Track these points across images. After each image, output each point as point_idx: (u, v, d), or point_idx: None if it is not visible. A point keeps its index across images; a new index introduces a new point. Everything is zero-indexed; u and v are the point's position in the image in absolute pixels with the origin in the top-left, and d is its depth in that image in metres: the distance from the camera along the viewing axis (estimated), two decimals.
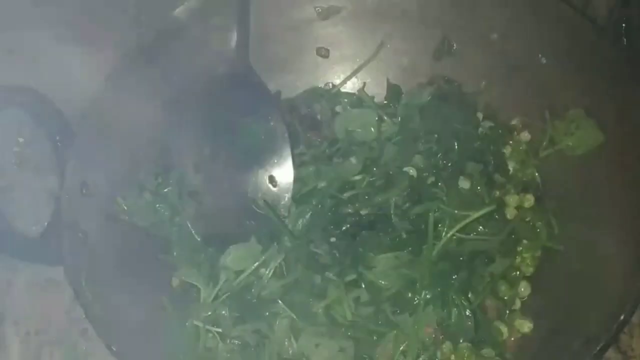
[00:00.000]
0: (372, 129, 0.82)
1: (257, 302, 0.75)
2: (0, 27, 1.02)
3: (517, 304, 0.78)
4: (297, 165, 0.81)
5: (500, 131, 0.85)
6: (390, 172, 0.78)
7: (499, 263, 0.76)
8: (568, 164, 0.80)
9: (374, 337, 0.74)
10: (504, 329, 0.76)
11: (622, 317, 0.63)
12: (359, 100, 0.89)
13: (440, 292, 0.72)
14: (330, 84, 0.93)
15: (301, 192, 0.79)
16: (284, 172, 0.80)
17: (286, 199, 0.79)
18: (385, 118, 0.84)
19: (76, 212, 0.74)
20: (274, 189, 0.79)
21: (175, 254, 0.80)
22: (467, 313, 0.72)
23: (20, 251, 0.74)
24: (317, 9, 0.90)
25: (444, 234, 0.73)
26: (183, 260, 0.79)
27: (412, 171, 0.77)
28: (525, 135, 0.86)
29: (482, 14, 0.85)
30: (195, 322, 0.75)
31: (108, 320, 0.69)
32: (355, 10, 0.90)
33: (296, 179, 0.80)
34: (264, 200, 0.78)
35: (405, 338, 0.72)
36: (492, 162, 0.81)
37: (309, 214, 0.76)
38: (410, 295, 0.73)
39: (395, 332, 0.73)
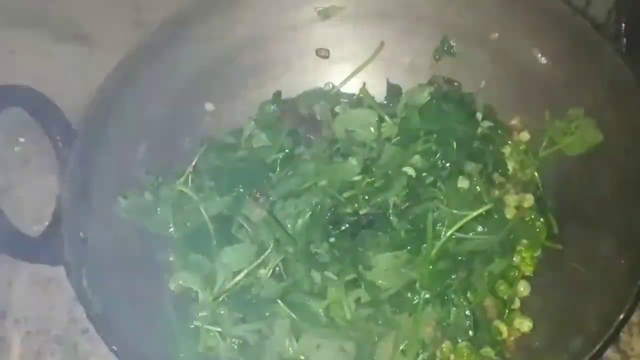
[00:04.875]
0: (372, 129, 0.82)
1: (257, 302, 0.75)
2: (1, 27, 1.02)
3: (517, 304, 0.78)
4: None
5: (499, 131, 0.85)
6: (390, 172, 0.78)
7: (498, 262, 0.76)
8: (567, 163, 0.80)
9: (374, 337, 0.74)
10: (504, 329, 0.76)
11: (621, 316, 0.64)
12: (359, 100, 0.90)
13: (439, 292, 0.72)
14: (331, 84, 0.93)
15: (301, 188, 0.79)
16: None
17: None
18: (386, 118, 0.84)
19: (77, 211, 0.74)
20: None
21: (171, 258, 0.80)
22: (467, 312, 0.73)
23: (21, 251, 0.74)
24: (317, 9, 0.90)
25: (443, 233, 0.74)
26: (180, 262, 0.79)
27: (411, 171, 0.77)
28: (525, 135, 0.86)
29: (482, 14, 0.85)
30: (195, 322, 0.75)
31: (109, 320, 0.69)
32: (355, 10, 0.90)
33: (296, 175, 0.80)
34: (263, 202, 0.78)
35: (405, 338, 0.73)
36: (492, 162, 0.82)
37: (309, 213, 0.76)
38: (409, 294, 0.73)
39: (394, 331, 0.73)
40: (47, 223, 0.75)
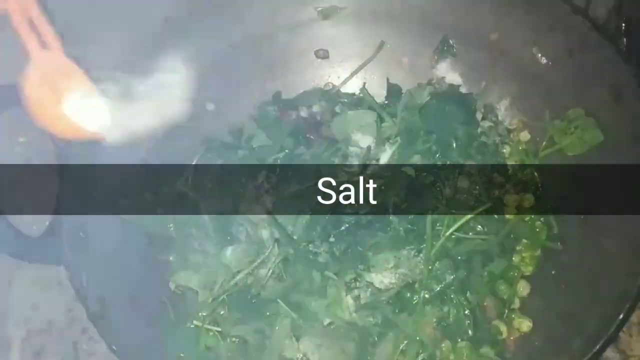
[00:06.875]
0: (372, 129, 0.82)
1: (257, 302, 0.75)
2: (1, 27, 1.02)
3: (517, 303, 0.78)
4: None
5: (499, 131, 0.85)
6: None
7: (498, 262, 0.76)
8: (567, 163, 0.80)
9: (374, 337, 0.74)
10: (503, 328, 0.76)
11: (621, 317, 0.64)
12: (359, 100, 0.90)
13: (439, 292, 0.73)
14: (330, 84, 0.93)
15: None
16: None
17: None
18: (386, 118, 0.84)
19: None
20: None
21: (171, 258, 0.80)
22: (466, 312, 0.73)
23: (21, 251, 0.74)
24: (317, 9, 0.90)
25: (442, 233, 0.74)
26: (180, 262, 0.79)
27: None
28: (525, 135, 0.86)
29: (482, 14, 0.85)
30: (195, 322, 0.75)
31: (108, 319, 0.69)
32: (355, 10, 0.90)
33: (296, 175, 0.80)
34: (263, 202, 0.78)
35: (405, 338, 0.73)
36: (491, 161, 0.82)
37: (309, 213, 0.76)
38: (409, 294, 0.73)
39: (394, 331, 0.73)
40: (47, 223, 0.74)
